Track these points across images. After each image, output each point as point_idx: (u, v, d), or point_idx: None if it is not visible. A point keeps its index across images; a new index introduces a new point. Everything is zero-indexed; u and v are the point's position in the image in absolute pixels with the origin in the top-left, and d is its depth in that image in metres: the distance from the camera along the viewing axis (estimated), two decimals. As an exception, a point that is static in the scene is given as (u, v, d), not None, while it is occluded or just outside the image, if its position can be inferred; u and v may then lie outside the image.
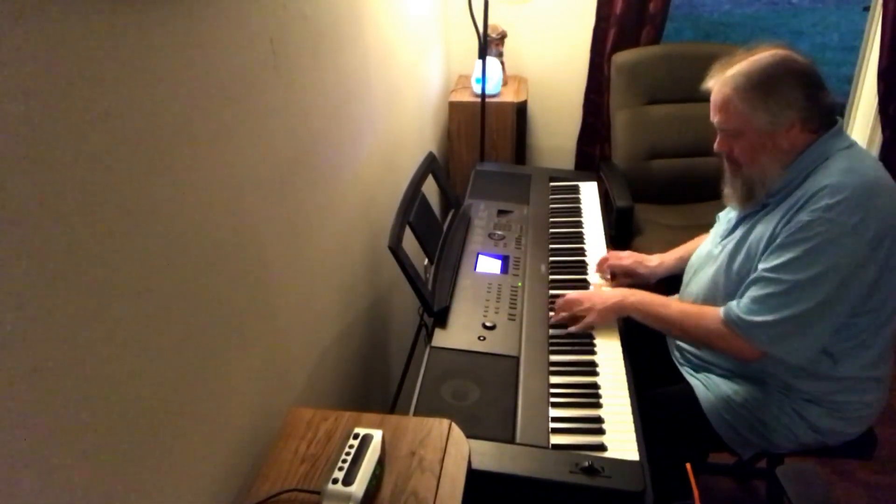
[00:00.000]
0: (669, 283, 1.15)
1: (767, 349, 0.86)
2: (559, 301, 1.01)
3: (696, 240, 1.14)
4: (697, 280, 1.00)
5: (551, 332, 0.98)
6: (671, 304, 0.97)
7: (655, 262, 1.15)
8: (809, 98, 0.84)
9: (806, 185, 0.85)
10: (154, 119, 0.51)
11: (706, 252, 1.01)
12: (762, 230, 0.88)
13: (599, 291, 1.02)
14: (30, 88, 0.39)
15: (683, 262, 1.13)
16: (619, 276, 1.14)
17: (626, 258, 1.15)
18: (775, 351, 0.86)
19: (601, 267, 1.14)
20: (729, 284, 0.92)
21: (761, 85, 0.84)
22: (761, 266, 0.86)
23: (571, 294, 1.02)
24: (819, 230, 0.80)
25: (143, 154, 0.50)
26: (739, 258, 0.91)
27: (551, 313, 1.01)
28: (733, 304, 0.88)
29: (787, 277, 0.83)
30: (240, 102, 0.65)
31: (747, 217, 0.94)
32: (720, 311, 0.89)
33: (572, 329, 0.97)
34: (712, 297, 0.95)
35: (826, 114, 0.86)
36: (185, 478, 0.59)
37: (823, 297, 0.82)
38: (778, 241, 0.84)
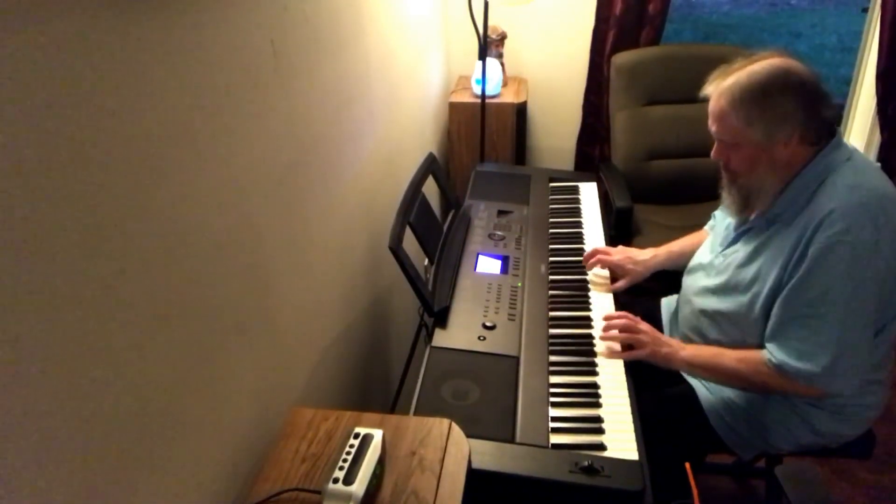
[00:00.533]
0: (667, 281, 1.15)
1: (827, 389, 0.85)
2: (625, 319, 0.96)
3: (691, 236, 1.14)
4: (698, 289, 0.99)
5: (551, 331, 0.99)
6: (723, 356, 0.91)
7: (647, 255, 1.13)
8: (807, 111, 0.83)
9: (813, 207, 0.83)
10: (156, 120, 0.51)
11: (707, 261, 1.00)
12: (773, 255, 0.87)
13: (658, 333, 0.97)
14: (35, 90, 0.39)
15: (676, 256, 1.12)
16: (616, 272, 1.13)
17: (616, 254, 1.13)
18: (832, 388, 0.85)
19: (587, 261, 1.12)
20: (735, 300, 0.91)
21: (757, 99, 0.83)
22: (795, 302, 0.83)
23: (637, 320, 0.96)
24: (842, 255, 0.80)
25: (146, 154, 0.50)
26: (747, 277, 0.90)
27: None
28: (778, 353, 0.85)
29: (828, 310, 0.81)
30: (241, 103, 0.65)
31: (750, 231, 0.92)
32: (771, 363, 0.86)
33: (623, 356, 0.93)
34: (714, 309, 0.95)
35: (826, 126, 0.85)
36: (187, 477, 0.59)
37: (864, 318, 0.82)
38: (800, 273, 0.82)
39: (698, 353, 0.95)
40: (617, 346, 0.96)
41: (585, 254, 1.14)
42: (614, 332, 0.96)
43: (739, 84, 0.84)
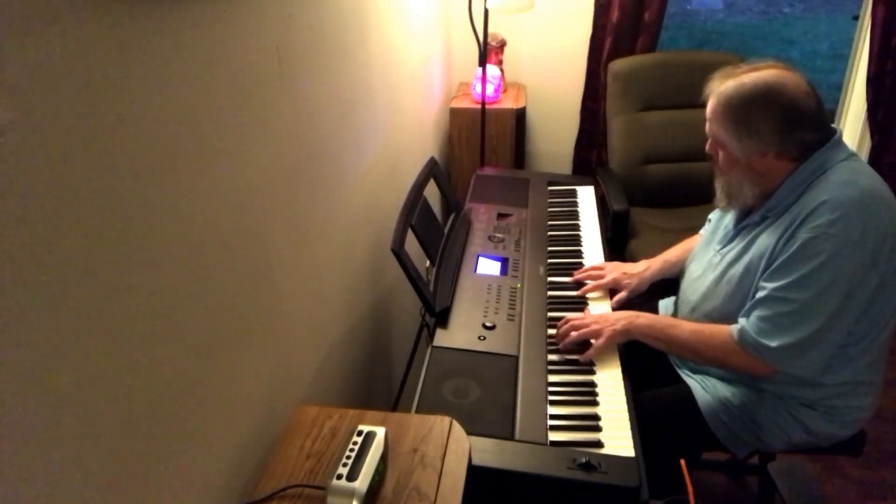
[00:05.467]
0: (665, 283, 1.16)
1: (781, 367, 0.87)
2: (563, 326, 0.97)
3: (683, 243, 1.15)
4: (696, 288, 1.01)
5: (549, 331, 1.00)
6: (681, 326, 0.95)
7: (641, 267, 1.13)
8: (782, 133, 0.84)
9: (805, 199, 0.85)
10: (165, 125, 0.52)
11: (706, 260, 1.01)
12: (763, 244, 0.89)
13: (605, 314, 0.98)
14: (45, 95, 0.40)
15: (670, 264, 1.13)
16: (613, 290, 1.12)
17: (610, 272, 1.11)
18: (789, 368, 0.86)
19: (583, 289, 1.09)
20: (729, 296, 0.93)
21: (736, 112, 0.86)
22: (768, 285, 0.85)
23: (574, 316, 0.98)
24: (823, 247, 0.81)
25: (155, 158, 0.51)
26: (740, 270, 0.91)
27: (551, 331, 0.97)
28: (745, 324, 0.88)
29: (795, 296, 0.83)
30: (247, 109, 0.66)
31: (746, 228, 0.94)
32: (732, 332, 0.89)
33: (581, 358, 0.93)
34: (711, 306, 0.96)
35: (807, 147, 0.86)
36: (193, 474, 0.60)
37: (832, 312, 0.83)
38: (782, 258, 0.84)
39: (654, 323, 0.96)
40: (585, 354, 0.95)
41: (579, 275, 1.12)
42: (570, 337, 0.95)
43: (727, 92, 0.87)
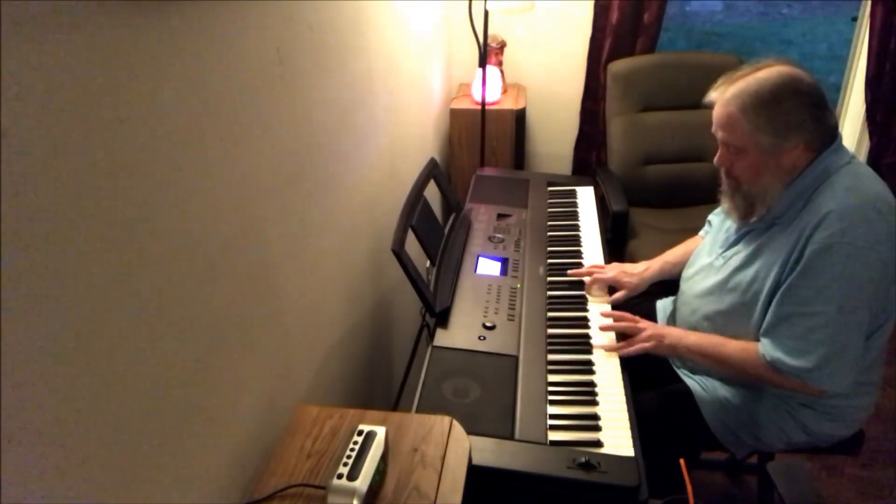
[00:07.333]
0: (663, 284, 1.17)
1: (826, 388, 0.85)
2: (618, 318, 0.99)
3: (685, 244, 1.15)
4: (696, 291, 1.01)
5: (549, 331, 1.00)
6: (726, 346, 0.93)
7: (641, 267, 1.14)
8: (815, 120, 0.84)
9: (811, 207, 0.85)
10: (165, 126, 0.52)
11: (707, 263, 1.01)
12: (772, 255, 0.88)
13: (657, 325, 1.01)
14: (46, 96, 0.41)
15: (670, 265, 1.13)
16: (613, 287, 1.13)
17: (610, 270, 1.13)
18: (833, 388, 0.85)
19: (589, 289, 1.11)
20: (736, 302, 0.92)
21: (768, 105, 0.83)
22: (790, 301, 0.85)
23: (635, 318, 1.00)
24: (838, 256, 0.81)
25: (155, 159, 0.51)
26: (747, 278, 0.91)
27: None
28: (777, 351, 0.86)
29: (822, 309, 0.83)
30: (248, 110, 0.67)
31: (751, 233, 0.93)
32: (765, 359, 0.87)
33: (624, 353, 0.95)
34: (713, 309, 0.96)
35: (829, 133, 0.86)
36: (195, 473, 0.60)
37: (857, 317, 0.83)
38: (797, 272, 0.84)
39: (701, 342, 0.96)
40: (617, 344, 0.97)
41: (581, 271, 1.13)
42: (613, 322, 0.97)
43: (749, 91, 0.85)
